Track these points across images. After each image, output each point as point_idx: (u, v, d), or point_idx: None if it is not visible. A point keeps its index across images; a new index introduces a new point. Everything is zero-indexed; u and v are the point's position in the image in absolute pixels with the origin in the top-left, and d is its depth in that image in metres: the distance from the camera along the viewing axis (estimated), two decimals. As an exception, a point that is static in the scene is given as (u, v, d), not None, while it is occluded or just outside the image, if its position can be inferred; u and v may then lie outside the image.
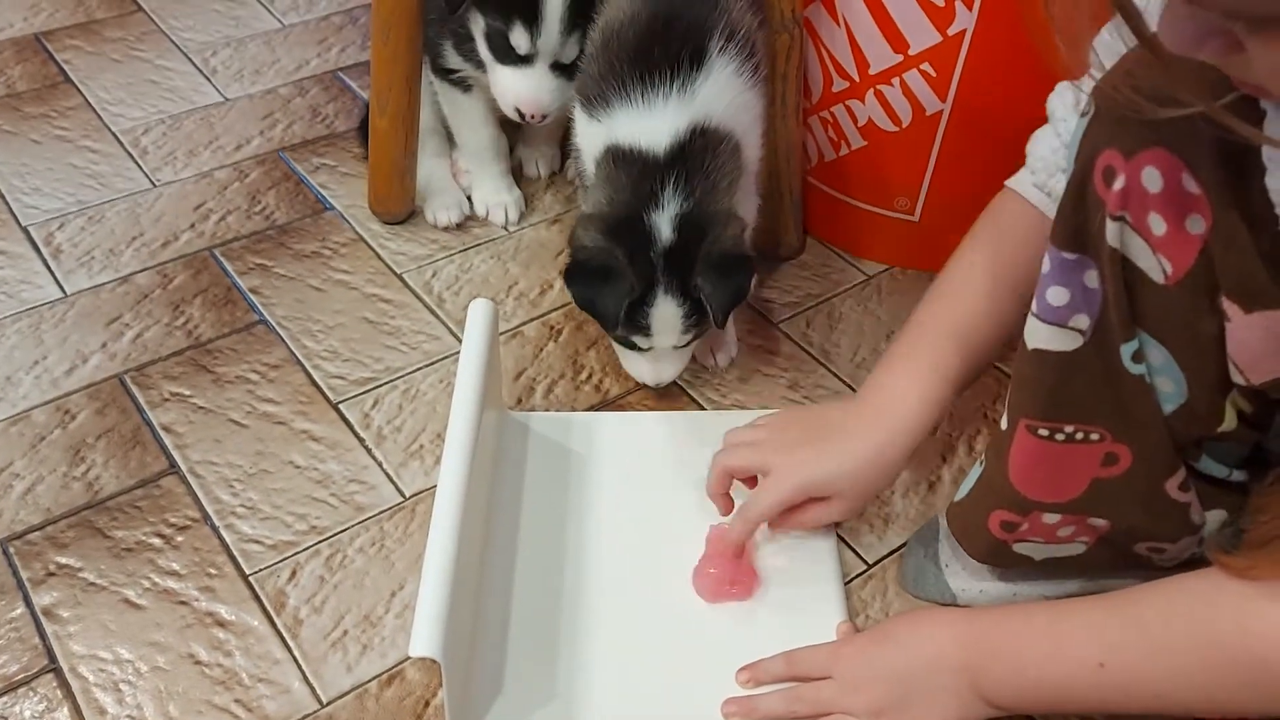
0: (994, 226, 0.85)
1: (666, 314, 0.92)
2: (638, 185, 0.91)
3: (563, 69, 1.03)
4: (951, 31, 1.01)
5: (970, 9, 0.99)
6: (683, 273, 0.90)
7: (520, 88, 1.03)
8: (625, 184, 0.92)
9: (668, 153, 0.91)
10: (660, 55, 0.91)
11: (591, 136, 0.96)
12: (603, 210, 0.93)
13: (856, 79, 1.09)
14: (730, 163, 0.93)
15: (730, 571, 0.86)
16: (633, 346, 0.97)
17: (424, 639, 0.70)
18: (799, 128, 1.14)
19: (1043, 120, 0.81)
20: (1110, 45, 0.61)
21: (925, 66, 1.04)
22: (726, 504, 0.89)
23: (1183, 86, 0.49)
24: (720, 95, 0.93)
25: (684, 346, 0.97)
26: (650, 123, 0.91)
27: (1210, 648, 0.63)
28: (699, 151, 0.91)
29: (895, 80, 1.07)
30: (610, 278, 0.90)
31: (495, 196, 1.24)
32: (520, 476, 0.96)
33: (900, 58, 1.05)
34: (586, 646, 0.84)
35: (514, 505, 0.93)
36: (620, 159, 0.92)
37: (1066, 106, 0.79)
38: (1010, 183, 0.85)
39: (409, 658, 0.84)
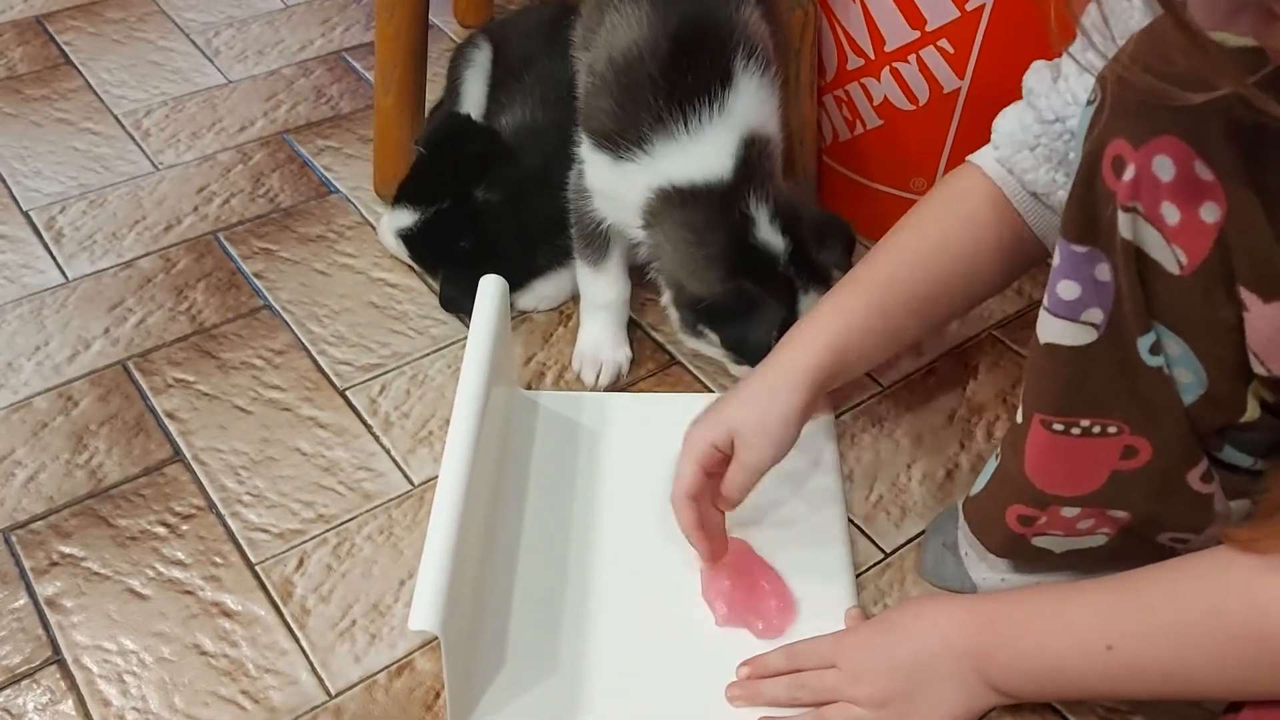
0: (945, 198, 0.86)
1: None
2: (723, 217, 0.90)
3: None
4: (970, 7, 0.99)
5: (989, -16, 0.97)
6: (811, 264, 0.92)
7: None
8: (707, 224, 0.90)
9: (735, 173, 0.90)
10: (693, 81, 0.89)
11: (624, 179, 0.92)
12: (698, 269, 0.91)
13: (872, 56, 1.07)
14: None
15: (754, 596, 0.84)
16: None
17: (423, 613, 0.70)
18: (814, 107, 1.12)
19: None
20: (1129, 20, 0.59)
21: (943, 43, 1.02)
22: (693, 519, 0.82)
23: (1214, 66, 0.47)
24: (751, 106, 0.92)
25: None
26: (703, 151, 0.89)
27: (1218, 624, 0.62)
28: (757, 158, 0.91)
29: (912, 57, 1.05)
30: (757, 307, 0.90)
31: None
32: (528, 454, 0.95)
33: (917, 34, 1.03)
34: (590, 624, 0.83)
35: (521, 482, 0.93)
36: (685, 202, 0.90)
37: (1045, 83, 0.78)
38: (972, 157, 0.85)
39: (419, 647, 0.83)
